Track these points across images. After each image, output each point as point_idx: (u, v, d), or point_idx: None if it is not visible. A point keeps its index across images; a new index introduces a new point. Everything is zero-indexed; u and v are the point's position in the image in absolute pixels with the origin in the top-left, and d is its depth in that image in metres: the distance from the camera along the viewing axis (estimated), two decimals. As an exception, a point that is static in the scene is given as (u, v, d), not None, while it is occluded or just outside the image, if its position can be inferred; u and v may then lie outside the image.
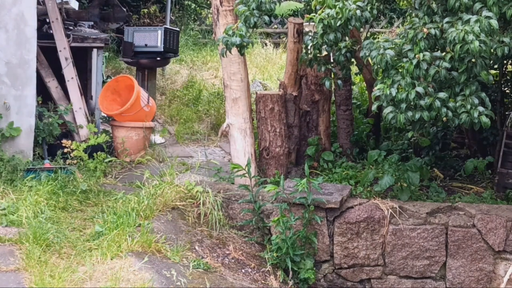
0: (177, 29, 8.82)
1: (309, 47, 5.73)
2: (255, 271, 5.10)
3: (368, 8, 5.17)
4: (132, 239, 4.76)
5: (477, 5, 4.68)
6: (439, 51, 4.90)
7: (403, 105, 4.77)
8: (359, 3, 5.11)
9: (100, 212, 5.35)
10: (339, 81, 5.85)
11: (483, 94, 4.81)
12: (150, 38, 7.96)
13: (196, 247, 5.04)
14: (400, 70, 4.82)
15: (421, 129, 5.30)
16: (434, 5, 4.95)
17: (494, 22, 4.52)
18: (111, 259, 4.53)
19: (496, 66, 6.15)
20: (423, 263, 5.41)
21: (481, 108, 4.73)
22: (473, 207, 5.43)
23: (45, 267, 4.34)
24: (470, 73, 4.74)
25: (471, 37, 4.48)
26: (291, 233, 5.19)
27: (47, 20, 6.99)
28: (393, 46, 4.91)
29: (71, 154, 6.17)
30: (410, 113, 4.77)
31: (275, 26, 13.26)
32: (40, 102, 6.51)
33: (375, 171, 5.83)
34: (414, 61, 4.75)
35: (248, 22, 5.22)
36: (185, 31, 12.10)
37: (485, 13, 4.57)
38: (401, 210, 5.40)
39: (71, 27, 7.47)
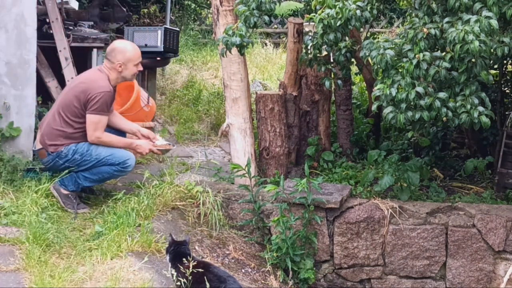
0: (177, 29, 8.81)
1: (309, 47, 5.73)
2: (255, 271, 5.10)
3: (368, 8, 5.17)
4: (132, 239, 4.77)
5: (477, 5, 4.68)
6: (439, 51, 4.90)
7: (403, 105, 4.77)
8: (359, 3, 5.11)
9: (100, 212, 5.35)
10: (339, 81, 5.85)
11: (483, 94, 4.81)
12: (150, 38, 7.95)
13: (196, 247, 5.04)
14: (400, 70, 4.82)
15: (421, 129, 5.30)
16: (434, 5, 4.95)
17: (494, 22, 4.52)
18: (111, 259, 4.53)
19: (496, 66, 6.15)
20: (423, 263, 5.41)
21: (481, 108, 4.73)
22: (473, 207, 5.43)
23: (45, 267, 4.34)
24: (470, 73, 4.74)
25: (471, 37, 4.48)
26: (291, 233, 5.20)
27: (47, 20, 6.98)
28: (393, 46, 4.91)
29: (71, 154, 6.17)
30: (410, 113, 4.78)
31: (275, 26, 13.26)
32: (40, 102, 6.50)
33: (375, 171, 5.83)
34: (414, 61, 4.75)
35: (248, 22, 5.22)
36: (185, 31, 12.10)
37: (485, 13, 4.57)
38: (401, 210, 5.40)
39: (71, 27, 7.46)
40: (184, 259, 4.22)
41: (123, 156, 5.38)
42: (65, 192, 5.41)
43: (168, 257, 4.39)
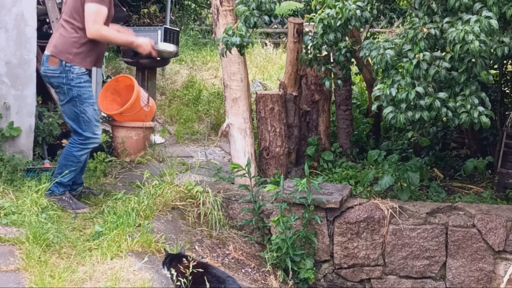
0: (177, 29, 8.81)
1: (309, 47, 5.73)
2: (255, 271, 5.10)
3: (368, 8, 5.17)
4: (132, 239, 4.76)
5: (477, 5, 4.68)
6: (439, 51, 4.90)
7: (403, 105, 4.77)
8: (359, 3, 5.11)
9: (100, 212, 5.35)
10: (339, 81, 5.85)
11: (483, 94, 4.81)
12: (150, 38, 7.94)
13: (196, 247, 5.04)
14: (400, 70, 4.82)
15: (421, 129, 5.30)
16: (434, 5, 4.95)
17: (494, 22, 4.52)
18: (111, 259, 4.52)
19: (496, 66, 6.15)
20: (423, 263, 5.41)
21: (481, 108, 4.73)
22: (473, 207, 5.43)
23: (45, 267, 4.34)
24: (470, 73, 4.74)
25: (471, 37, 4.48)
26: (291, 233, 5.20)
27: (47, 20, 7.00)
28: (393, 46, 4.91)
29: (71, 154, 6.17)
30: (410, 113, 4.78)
31: (275, 26, 13.26)
32: (40, 102, 6.51)
33: (375, 171, 5.83)
34: (414, 61, 4.75)
35: (248, 22, 5.22)
36: (185, 31, 12.11)
37: (485, 13, 4.57)
38: (401, 210, 5.40)
39: (71, 27, 7.45)
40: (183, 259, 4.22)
41: (95, 132, 5.41)
42: (58, 196, 5.45)
43: (165, 269, 4.36)
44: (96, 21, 5.24)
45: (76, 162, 5.49)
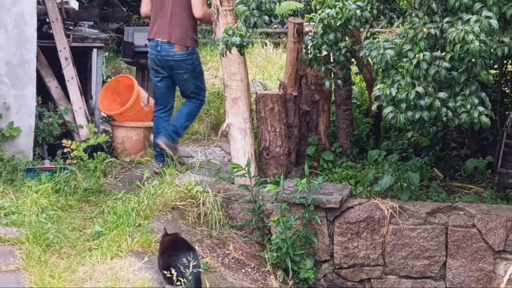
0: (177, 29, 8.81)
1: (309, 47, 5.73)
2: (255, 271, 5.10)
3: (368, 8, 5.17)
4: (132, 239, 4.77)
5: (477, 5, 4.68)
6: (439, 51, 4.90)
7: (403, 105, 4.77)
8: (359, 3, 5.11)
9: (100, 212, 5.35)
10: (339, 81, 5.85)
11: (483, 94, 4.81)
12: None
13: (196, 247, 5.03)
14: (400, 70, 4.82)
15: (421, 129, 5.30)
16: (434, 5, 4.95)
17: (494, 22, 4.52)
18: (111, 259, 4.53)
19: (496, 66, 6.15)
20: (423, 263, 5.41)
21: (481, 108, 4.73)
22: (473, 207, 5.43)
23: (45, 267, 4.34)
24: (470, 73, 4.74)
25: (471, 37, 4.48)
26: (291, 233, 5.19)
27: (47, 20, 6.99)
28: (393, 46, 4.90)
29: (71, 154, 6.17)
30: (410, 113, 4.78)
31: (275, 26, 13.26)
32: (40, 102, 6.51)
33: (375, 171, 5.83)
34: (414, 61, 4.75)
35: (248, 22, 5.22)
36: (185, 31, 12.07)
37: (485, 13, 4.57)
38: (401, 210, 5.40)
39: (71, 27, 7.46)
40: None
41: (205, 95, 6.74)
42: (175, 144, 6.42)
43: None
44: (204, 4, 6.29)
45: (193, 119, 6.76)
